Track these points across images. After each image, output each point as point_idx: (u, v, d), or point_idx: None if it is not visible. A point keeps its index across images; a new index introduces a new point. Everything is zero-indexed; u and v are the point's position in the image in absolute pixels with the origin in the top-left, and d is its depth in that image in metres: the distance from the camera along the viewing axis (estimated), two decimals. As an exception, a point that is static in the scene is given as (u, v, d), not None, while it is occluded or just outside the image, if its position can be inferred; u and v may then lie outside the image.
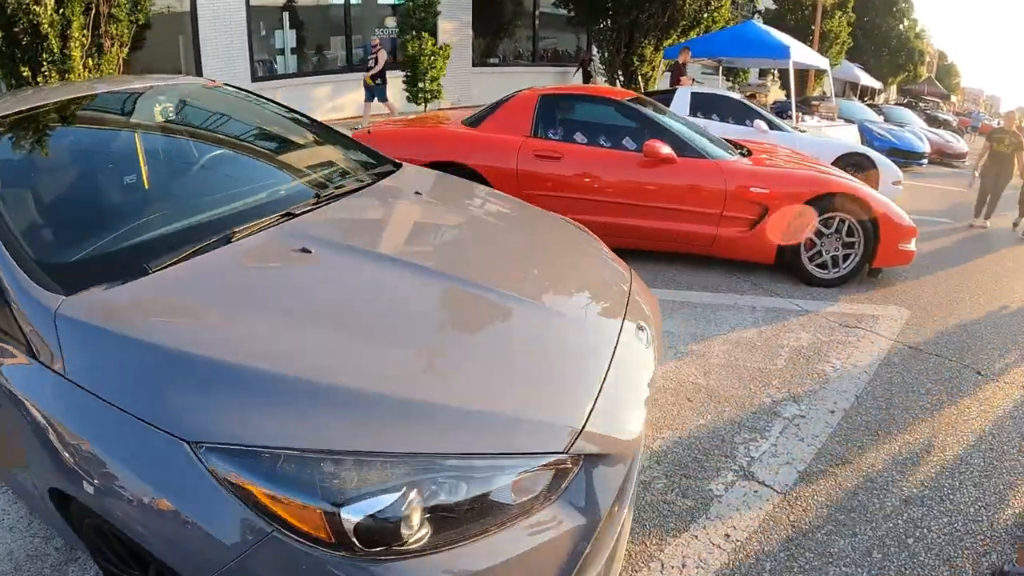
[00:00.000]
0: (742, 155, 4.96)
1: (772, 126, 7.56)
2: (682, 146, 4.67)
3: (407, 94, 11.32)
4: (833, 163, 7.30)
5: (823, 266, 4.60)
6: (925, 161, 11.35)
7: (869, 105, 14.30)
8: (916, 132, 11.90)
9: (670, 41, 12.83)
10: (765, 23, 19.50)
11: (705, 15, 12.96)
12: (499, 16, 17.47)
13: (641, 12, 12.54)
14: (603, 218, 4.65)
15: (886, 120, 12.78)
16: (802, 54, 9.75)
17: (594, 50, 15.27)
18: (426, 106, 11.61)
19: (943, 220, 7.69)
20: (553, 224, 2.57)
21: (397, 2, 10.84)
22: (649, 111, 4.97)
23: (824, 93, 23.30)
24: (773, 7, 20.39)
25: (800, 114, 10.52)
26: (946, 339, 3.88)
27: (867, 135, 10.86)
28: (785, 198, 4.43)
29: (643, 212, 4.64)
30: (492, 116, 5.12)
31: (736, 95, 8.11)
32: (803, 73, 17.18)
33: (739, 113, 7.64)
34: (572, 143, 4.84)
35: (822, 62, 10.59)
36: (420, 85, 11.22)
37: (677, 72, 10.44)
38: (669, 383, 3.14)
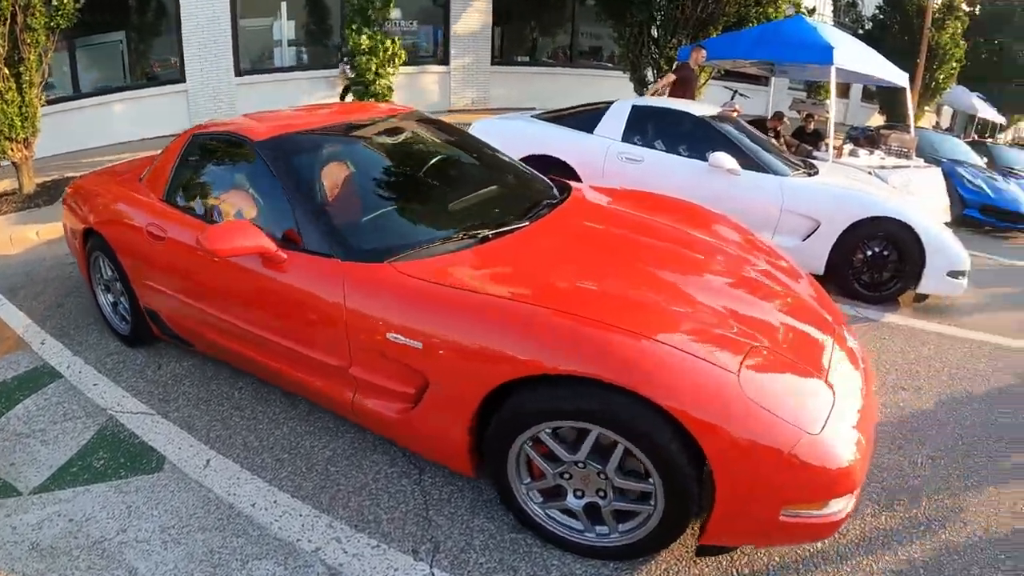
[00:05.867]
0: (472, 240, 2.39)
1: (752, 164, 4.72)
2: (303, 225, 2.42)
3: (352, 97, 9.18)
4: (848, 230, 4.47)
5: (569, 513, 2.02)
6: (1034, 228, 7.61)
7: (974, 143, 10.44)
8: (1028, 185, 8.15)
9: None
10: (868, 35, 15.94)
11: (754, 12, 9.94)
12: (528, 7, 15.07)
13: (671, 3, 9.75)
14: (228, 344, 2.79)
15: (991, 164, 9.05)
16: (856, 61, 6.73)
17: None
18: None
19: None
20: None
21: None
22: (277, 160, 2.66)
23: (937, 123, 19.11)
24: (879, 15, 16.68)
25: (852, 146, 7.46)
26: None
27: (955, 183, 7.54)
28: (453, 374, 1.95)
29: (258, 342, 2.61)
30: (155, 164, 3.39)
31: (694, 109, 5.21)
32: (900, 93, 13.49)
33: (697, 139, 4.83)
34: (188, 213, 2.97)
35: (896, 76, 7.42)
36: (370, 88, 9.03)
37: (684, 80, 7.52)
38: None
